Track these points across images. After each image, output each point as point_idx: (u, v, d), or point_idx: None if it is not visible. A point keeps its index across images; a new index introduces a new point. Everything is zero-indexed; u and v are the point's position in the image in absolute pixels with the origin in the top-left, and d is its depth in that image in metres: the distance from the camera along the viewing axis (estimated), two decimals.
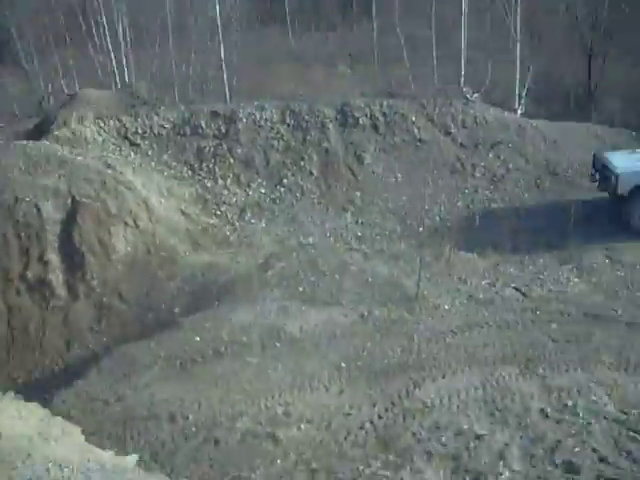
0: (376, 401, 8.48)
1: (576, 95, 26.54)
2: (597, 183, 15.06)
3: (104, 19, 23.47)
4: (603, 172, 14.77)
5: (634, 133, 18.10)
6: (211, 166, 16.87)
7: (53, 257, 13.90)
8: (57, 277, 13.87)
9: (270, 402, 8.50)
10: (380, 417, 8.21)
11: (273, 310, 10.09)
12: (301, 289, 10.60)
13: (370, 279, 10.91)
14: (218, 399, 8.51)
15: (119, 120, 17.09)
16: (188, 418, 8.25)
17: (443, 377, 9.01)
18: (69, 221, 14.06)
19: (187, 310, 13.18)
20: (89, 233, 14.08)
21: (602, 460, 7.30)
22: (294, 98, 18.42)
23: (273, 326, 9.76)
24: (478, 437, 7.78)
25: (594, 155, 15.67)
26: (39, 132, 17.08)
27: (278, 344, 9.55)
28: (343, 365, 9.20)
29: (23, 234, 13.80)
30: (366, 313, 10.22)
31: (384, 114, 17.78)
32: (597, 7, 28.51)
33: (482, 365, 9.33)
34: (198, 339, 9.53)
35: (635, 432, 7.85)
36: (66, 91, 20.16)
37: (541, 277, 11.84)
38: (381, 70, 28.28)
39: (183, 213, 15.63)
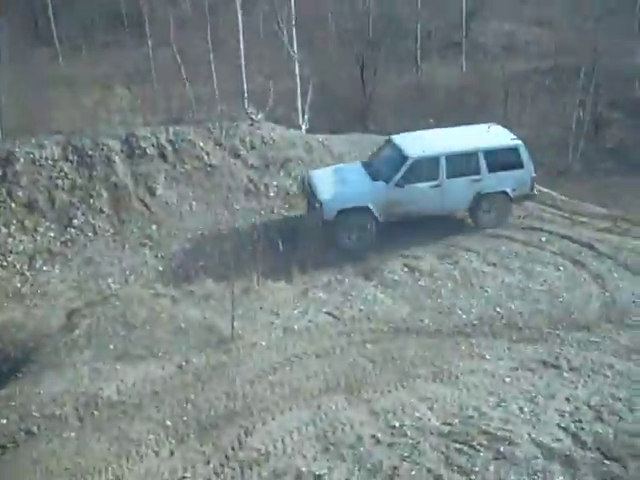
0: (210, 457, 8.18)
1: (353, 105, 27.76)
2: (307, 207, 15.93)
3: None
4: (311, 197, 15.53)
5: None
6: None
7: None
8: None
9: (98, 479, 7.93)
10: (217, 474, 7.94)
11: (85, 374, 9.41)
12: (112, 346, 10.00)
13: (183, 325, 10.56)
14: None
15: None
16: None
17: (273, 419, 8.90)
18: None
19: None
20: None
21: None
22: (75, 132, 17.44)
23: (88, 393, 9.10)
24: (318, 478, 7.78)
25: (302, 178, 16.75)
26: None
27: (96, 412, 8.91)
28: (169, 424, 8.79)
29: None
30: (184, 363, 9.87)
31: (171, 142, 17.40)
32: (363, 20, 30.17)
33: (309, 399, 9.34)
34: (5, 421, 8.66)
35: (460, 443, 8.23)
36: None
37: (350, 297, 12.13)
38: (161, 90, 27.74)
39: None
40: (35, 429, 8.64)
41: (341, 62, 29.80)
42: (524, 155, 15.22)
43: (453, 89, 27.91)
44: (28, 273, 14.90)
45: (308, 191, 15.74)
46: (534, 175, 15.41)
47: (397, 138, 16.03)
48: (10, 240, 15.32)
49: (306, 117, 21.48)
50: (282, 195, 17.06)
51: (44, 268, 14.96)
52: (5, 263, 14.96)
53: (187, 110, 20.99)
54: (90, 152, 16.61)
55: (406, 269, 13.62)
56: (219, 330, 10.56)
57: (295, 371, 9.98)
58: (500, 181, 15.12)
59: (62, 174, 16.28)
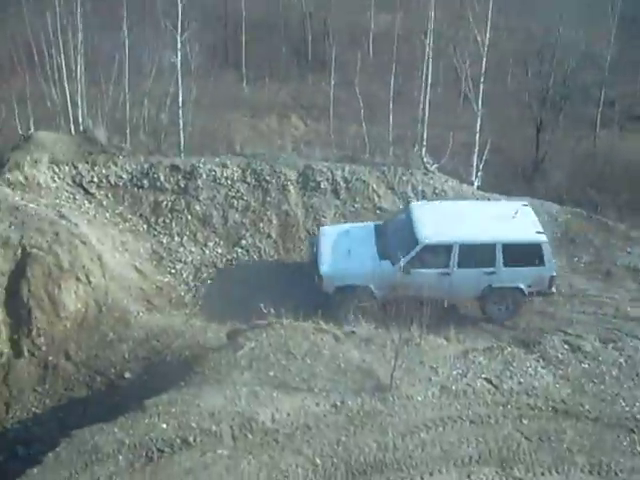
0: None
1: (524, 167, 27.15)
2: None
3: (61, 52, 22.71)
4: (313, 262, 14.60)
5: (589, 215, 18.39)
6: (168, 221, 16.35)
7: None
8: (0, 332, 13.05)
9: None
10: None
11: (243, 396, 9.58)
12: (272, 373, 10.14)
13: (342, 365, 10.56)
14: None
15: (75, 167, 16.40)
16: None
17: (421, 478, 8.69)
18: (18, 273, 13.29)
19: (139, 376, 12.61)
20: (38, 287, 13.37)
21: None
22: (255, 156, 18.06)
23: (244, 414, 9.25)
24: None
25: (310, 240, 15.91)
26: None
27: (250, 435, 9.04)
28: (318, 462, 8.79)
29: None
30: (339, 403, 9.83)
31: (345, 179, 17.66)
32: (545, 80, 29.53)
33: (459, 465, 9.09)
34: (165, 426, 8.95)
35: None
36: (20, 131, 19.26)
37: (510, 368, 11.70)
38: (336, 126, 28.30)
39: (137, 270, 15.05)
40: (191, 440, 8.86)
41: (517, 121, 29.31)
42: (547, 252, 14.11)
43: (633, 166, 26.61)
44: (192, 283, 15.51)
45: (313, 252, 14.93)
46: (554, 274, 14.26)
47: (415, 209, 14.87)
48: (181, 249, 16.04)
49: (479, 174, 21.18)
50: None
51: (208, 282, 15.51)
52: (173, 270, 15.65)
53: (362, 150, 21.19)
54: (267, 177, 17.14)
55: (567, 347, 12.96)
56: (377, 376, 10.47)
57: (448, 433, 9.72)
58: (515, 276, 14.08)
59: (238, 194, 16.89)
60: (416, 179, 18.01)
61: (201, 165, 17.12)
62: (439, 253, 13.86)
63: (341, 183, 17.50)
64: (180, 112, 23.83)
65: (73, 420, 11.66)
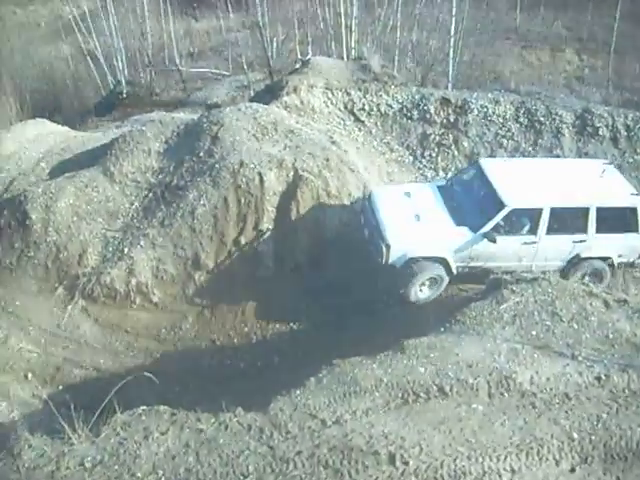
0: None
1: None
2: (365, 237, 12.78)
3: None
4: (372, 230, 12.49)
5: None
6: (434, 155, 16.17)
7: (267, 227, 13.82)
8: (268, 248, 13.81)
9: (495, 464, 7.85)
10: None
11: (503, 352, 9.32)
12: (534, 333, 9.74)
13: (611, 335, 9.86)
14: (440, 447, 7.97)
15: (347, 93, 16.67)
16: (408, 464, 7.77)
17: None
18: (288, 194, 13.89)
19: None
20: (306, 210, 13.87)
21: None
22: (530, 94, 17.16)
23: (502, 372, 9.00)
24: None
25: (360, 200, 13.56)
26: (269, 94, 17.00)
27: (506, 394, 8.82)
28: (575, 436, 8.34)
29: (243, 200, 13.78)
30: (604, 376, 9.21)
31: (627, 127, 16.24)
32: None
33: None
34: (422, 371, 8.99)
35: None
36: (299, 55, 19.92)
37: None
38: (616, 64, 26.00)
39: None
40: (447, 389, 8.80)
41: None
42: None
43: None
44: None
45: (368, 218, 12.82)
46: None
47: (489, 167, 12.76)
48: None
49: None
50: None
51: None
52: None
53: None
54: (542, 119, 16.29)
55: None
56: None
57: None
58: (607, 245, 12.30)
59: (509, 134, 16.24)
60: None
61: (473, 100, 16.60)
62: (527, 218, 12.05)
63: (622, 131, 16.15)
64: (451, 40, 23.23)
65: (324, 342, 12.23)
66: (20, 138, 16.64)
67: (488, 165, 12.87)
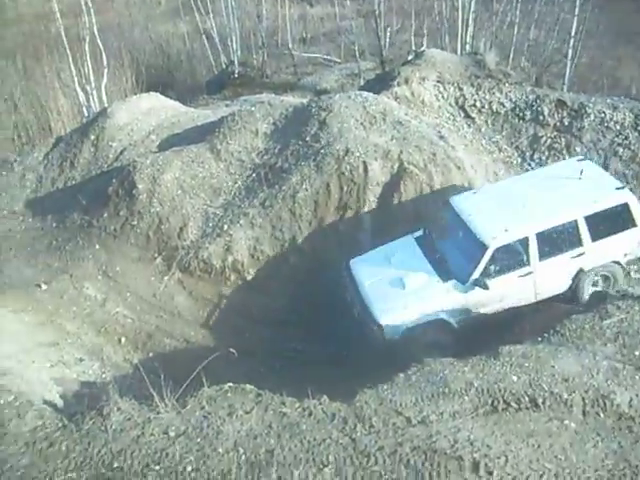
0: None
1: None
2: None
3: None
4: (359, 307, 11.76)
5: None
6: (543, 159, 15.59)
7: (367, 217, 13.72)
8: (367, 237, 13.70)
9: None
10: None
11: (602, 370, 8.88)
12: (637, 353, 9.26)
13: None
14: (527, 461, 7.67)
15: (459, 88, 16.30)
16: (492, 474, 7.52)
17: None
18: (392, 186, 13.72)
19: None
20: (408, 203, 13.67)
21: None
22: None
23: (600, 390, 8.59)
24: None
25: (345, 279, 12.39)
26: (379, 84, 16.82)
27: (602, 414, 8.41)
28: None
29: (345, 188, 13.73)
30: None
31: None
32: None
33: None
34: (515, 379, 8.69)
35: None
36: (413, 47, 19.65)
37: None
38: None
39: None
40: (540, 401, 8.47)
41: None
42: (636, 209, 11.21)
43: None
44: None
45: (352, 293, 12.03)
46: None
47: (461, 205, 11.90)
48: None
49: None
50: None
51: None
52: None
53: None
54: None
55: None
56: None
57: None
58: (608, 250, 11.41)
59: (625, 142, 15.46)
60: None
61: (590, 104, 15.89)
62: (515, 251, 11.14)
63: None
64: (571, 41, 22.48)
65: None
66: (134, 110, 17.07)
67: (460, 203, 12.09)
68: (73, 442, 8.26)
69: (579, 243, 11.32)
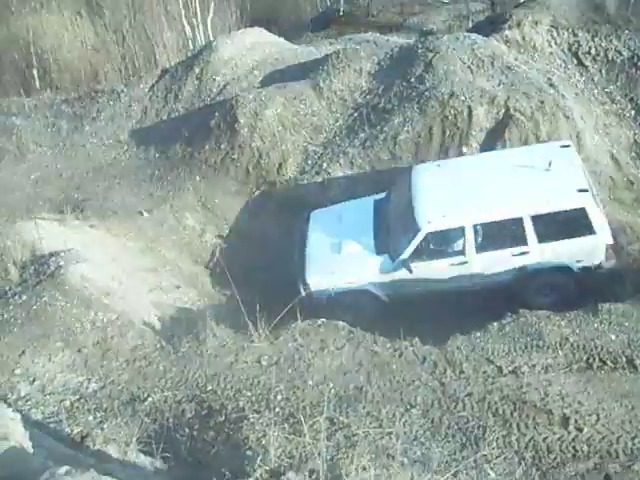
0: None
1: None
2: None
3: None
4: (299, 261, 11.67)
5: None
6: None
7: None
8: None
9: None
10: None
11: None
12: None
13: None
14: (619, 421, 7.52)
15: (574, 34, 15.49)
16: (582, 430, 7.42)
17: None
18: (496, 133, 13.37)
19: None
20: None
21: None
22: None
23: None
24: None
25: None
26: (489, 27, 16.24)
27: None
28: None
29: (448, 132, 13.49)
30: None
31: None
32: None
33: None
34: (613, 338, 8.47)
35: None
36: None
37: None
38: None
39: (612, 157, 14.03)
40: (638, 362, 8.25)
41: None
42: (595, 215, 10.24)
43: None
44: None
45: (300, 243, 11.86)
46: (611, 242, 10.37)
47: (418, 176, 11.40)
48: None
49: None
50: None
51: None
52: None
53: None
54: None
55: None
56: None
57: None
58: (558, 253, 10.45)
59: None
60: None
61: None
62: (449, 239, 10.62)
63: None
64: None
65: None
66: (238, 45, 17.10)
67: (417, 174, 11.57)
68: (170, 363, 8.62)
69: (524, 242, 10.59)
